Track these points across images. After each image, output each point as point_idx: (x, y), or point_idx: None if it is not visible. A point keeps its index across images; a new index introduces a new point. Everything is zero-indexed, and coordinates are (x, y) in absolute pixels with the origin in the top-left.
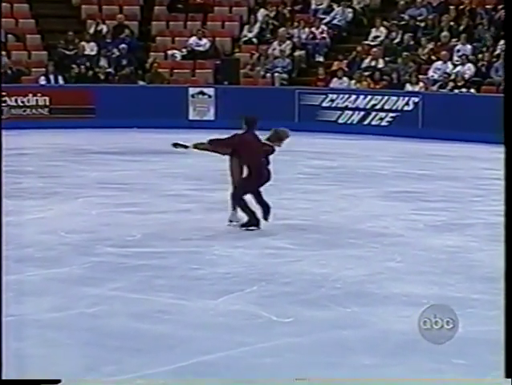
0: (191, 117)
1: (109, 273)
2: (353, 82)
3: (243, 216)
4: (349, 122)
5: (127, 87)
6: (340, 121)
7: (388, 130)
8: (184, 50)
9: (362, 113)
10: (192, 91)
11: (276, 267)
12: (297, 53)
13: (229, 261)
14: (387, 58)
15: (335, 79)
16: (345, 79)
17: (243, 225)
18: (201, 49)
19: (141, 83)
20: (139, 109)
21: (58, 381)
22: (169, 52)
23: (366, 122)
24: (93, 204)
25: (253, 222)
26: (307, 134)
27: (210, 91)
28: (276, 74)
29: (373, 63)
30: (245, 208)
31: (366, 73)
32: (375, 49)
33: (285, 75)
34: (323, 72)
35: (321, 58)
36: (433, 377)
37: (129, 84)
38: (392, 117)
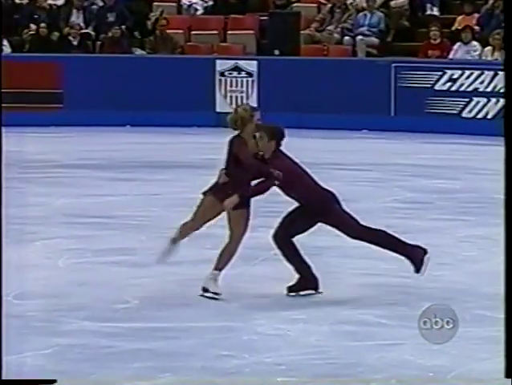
0: (219, 108)
1: (85, 363)
2: (489, 49)
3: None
4: (481, 116)
5: (115, 59)
6: (466, 115)
7: None
8: None
9: (503, 101)
10: (221, 65)
11: (360, 355)
12: (395, 2)
13: (282, 343)
14: None
15: (457, 45)
16: (475, 44)
17: (292, 289)
18: None
19: (139, 52)
20: (134, 95)
21: (54, 381)
22: (185, 2)
23: None
24: (59, 251)
25: (309, 283)
26: (410, 136)
27: (251, 65)
28: (360, 38)
29: None
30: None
31: None
32: None
33: (374, 40)
34: (437, 34)
35: (435, 11)
36: None
37: (119, 54)
38: None
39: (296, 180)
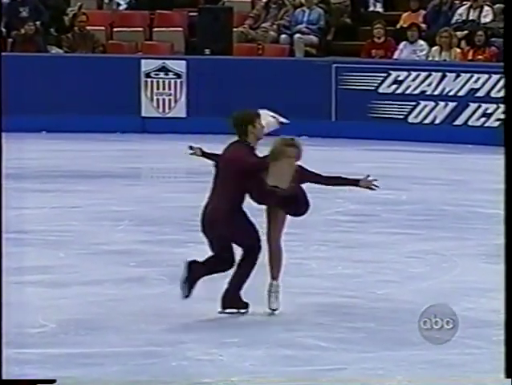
0: (145, 113)
1: None
2: (435, 49)
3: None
4: (428, 121)
5: (29, 59)
6: (412, 120)
7: (500, 135)
8: None
9: (451, 105)
10: (146, 65)
11: (298, 381)
12: None
13: (214, 369)
14: (497, 6)
15: (403, 45)
16: (421, 43)
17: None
18: None
19: (55, 50)
20: (50, 98)
21: (54, 381)
22: None
23: (458, 121)
24: None
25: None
26: (352, 142)
27: (180, 65)
28: (297, 37)
29: (473, 15)
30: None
31: (459, 33)
32: None
33: (313, 38)
34: (381, 32)
35: (378, 7)
36: None
37: (33, 53)
38: None
39: None
